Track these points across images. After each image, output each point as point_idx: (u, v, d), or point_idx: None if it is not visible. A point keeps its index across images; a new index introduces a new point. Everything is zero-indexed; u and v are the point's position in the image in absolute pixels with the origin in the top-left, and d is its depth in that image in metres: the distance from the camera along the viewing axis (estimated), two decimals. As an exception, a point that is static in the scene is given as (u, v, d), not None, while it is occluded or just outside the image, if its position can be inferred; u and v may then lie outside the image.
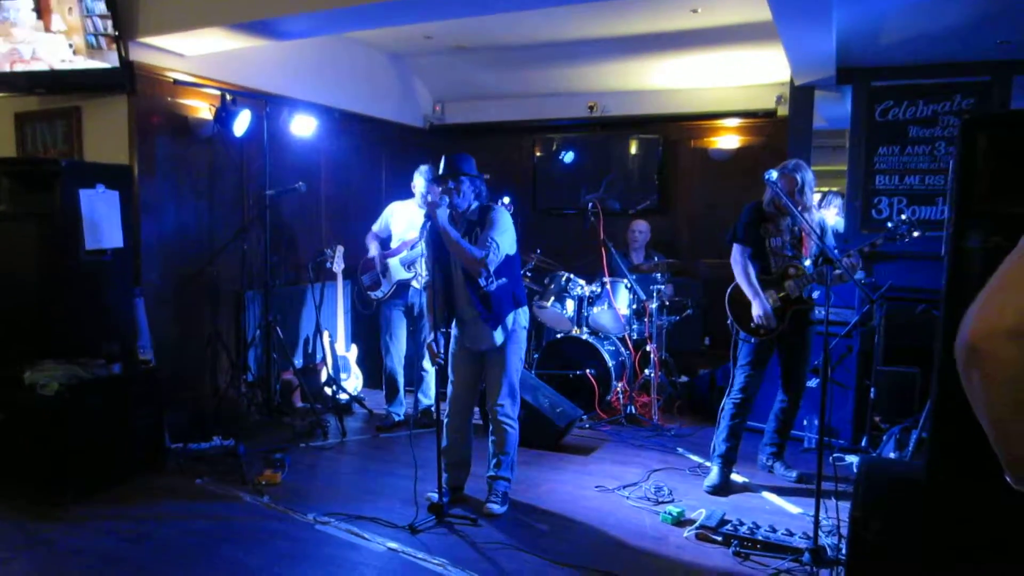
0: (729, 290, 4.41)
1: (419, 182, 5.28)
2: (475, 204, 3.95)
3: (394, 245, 5.44)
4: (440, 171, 3.92)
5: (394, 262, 5.38)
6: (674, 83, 7.09)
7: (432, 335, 3.96)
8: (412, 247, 5.27)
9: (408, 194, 5.45)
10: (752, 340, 4.31)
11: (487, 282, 3.85)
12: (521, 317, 4.02)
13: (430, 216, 3.80)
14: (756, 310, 4.20)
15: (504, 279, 3.91)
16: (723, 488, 4.34)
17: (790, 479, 4.47)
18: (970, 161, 2.77)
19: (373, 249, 5.48)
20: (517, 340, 4.01)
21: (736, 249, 4.34)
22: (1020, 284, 1.06)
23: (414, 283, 5.36)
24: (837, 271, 3.73)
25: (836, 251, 3.93)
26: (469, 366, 4.09)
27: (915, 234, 3.94)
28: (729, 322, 4.41)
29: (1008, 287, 1.07)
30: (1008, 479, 1.21)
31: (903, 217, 3.93)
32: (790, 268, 4.24)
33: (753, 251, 4.33)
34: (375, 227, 5.56)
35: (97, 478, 4.22)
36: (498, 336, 3.92)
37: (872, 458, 3.53)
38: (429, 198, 3.98)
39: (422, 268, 5.26)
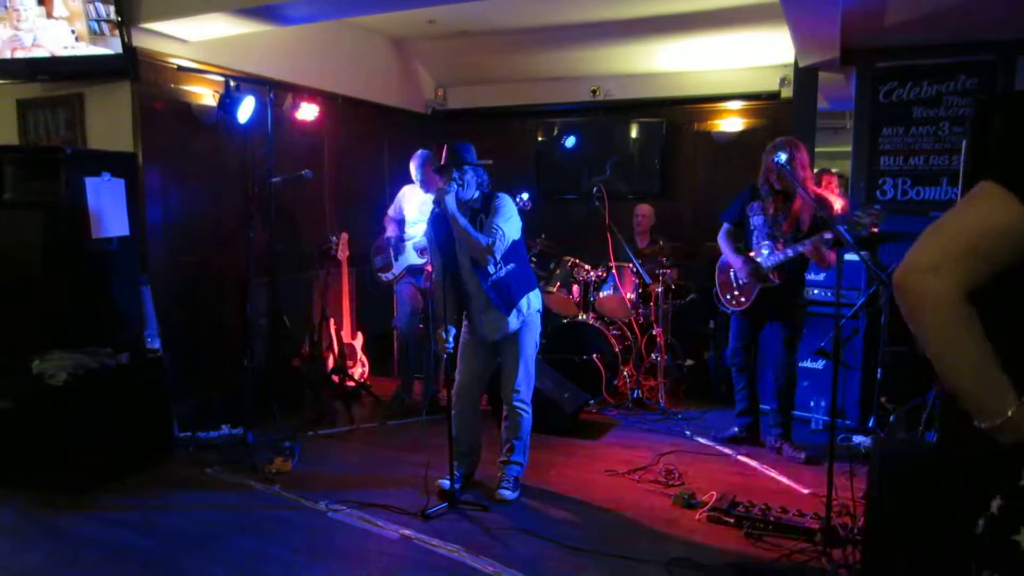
0: (719, 261, 4.79)
1: (412, 168, 5.37)
2: (477, 193, 3.93)
3: (408, 229, 5.47)
4: (443, 160, 3.91)
5: (407, 246, 5.41)
6: (677, 66, 7.05)
7: (443, 325, 3.96)
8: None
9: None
10: (731, 311, 4.71)
11: (495, 269, 3.85)
12: (534, 300, 4.02)
13: (438, 203, 3.79)
14: (737, 269, 4.59)
15: (512, 264, 3.90)
16: (732, 439, 4.83)
17: (799, 460, 4.48)
18: (983, 140, 2.76)
19: (390, 231, 5.52)
20: (532, 324, 4.01)
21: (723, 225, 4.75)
22: (934, 234, 1.30)
23: (430, 267, 5.39)
24: (799, 248, 4.23)
25: (843, 228, 3.92)
26: (480, 356, 4.09)
27: (875, 229, 3.74)
28: (715, 291, 4.79)
29: (924, 237, 1.31)
30: (976, 422, 1.34)
31: (876, 208, 3.83)
32: (763, 247, 4.45)
33: (739, 229, 4.67)
34: (390, 211, 5.61)
35: (106, 468, 4.21)
36: (513, 322, 3.92)
37: (887, 438, 3.53)
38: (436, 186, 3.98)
39: None
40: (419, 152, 5.40)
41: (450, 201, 3.76)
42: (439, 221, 3.93)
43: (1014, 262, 1.27)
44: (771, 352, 4.68)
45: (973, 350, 1.27)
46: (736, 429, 4.84)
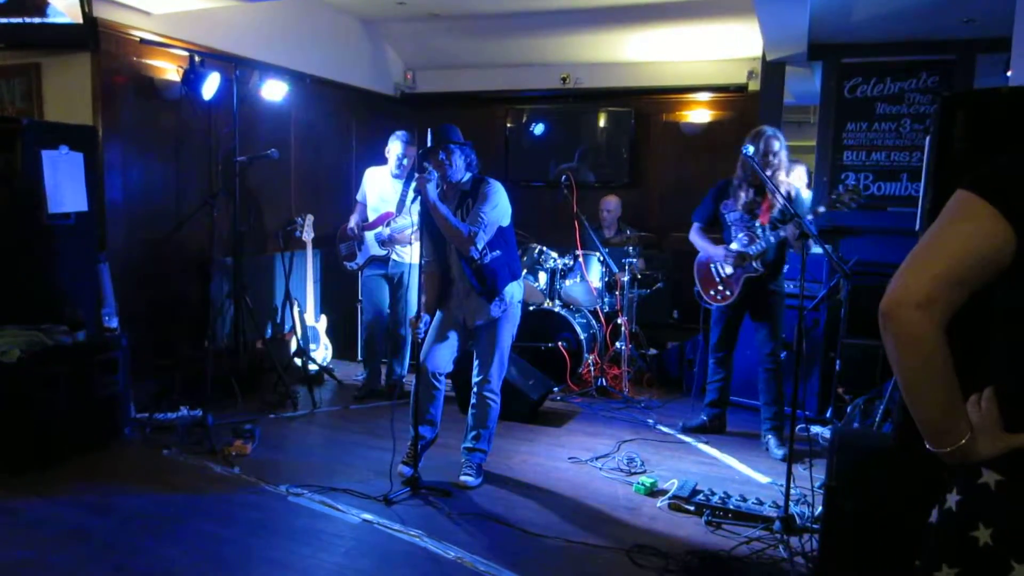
0: (696, 260, 4.70)
1: (395, 147, 5.23)
2: (467, 175, 3.89)
3: (370, 216, 5.39)
4: (428, 143, 3.84)
5: (369, 236, 5.34)
6: (647, 56, 7.07)
7: (417, 313, 3.92)
8: (387, 223, 5.23)
9: (381, 160, 5.38)
10: (714, 306, 4.66)
11: (480, 255, 3.81)
12: (517, 290, 3.99)
13: (419, 192, 3.74)
14: (720, 259, 4.52)
15: (499, 251, 3.86)
16: (699, 427, 4.87)
17: (776, 457, 4.42)
18: (947, 138, 2.81)
19: (353, 219, 5.45)
20: (511, 315, 3.98)
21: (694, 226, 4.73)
22: (924, 261, 1.26)
23: (394, 256, 5.31)
24: (781, 234, 4.22)
25: (808, 220, 3.95)
26: (452, 334, 4.00)
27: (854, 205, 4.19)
28: (696, 290, 4.71)
29: (915, 263, 1.27)
30: (926, 444, 1.36)
31: (851, 184, 4.37)
32: (742, 239, 4.44)
33: (712, 228, 4.67)
34: (359, 195, 5.52)
35: (60, 448, 4.12)
36: (495, 309, 3.89)
37: (845, 429, 3.59)
38: (412, 168, 3.93)
39: (400, 251, 5.26)
40: (403, 132, 5.28)
41: (431, 190, 3.71)
42: (427, 207, 3.86)
43: (987, 284, 1.26)
44: (755, 344, 4.64)
45: (945, 385, 1.29)
46: (704, 418, 4.85)
